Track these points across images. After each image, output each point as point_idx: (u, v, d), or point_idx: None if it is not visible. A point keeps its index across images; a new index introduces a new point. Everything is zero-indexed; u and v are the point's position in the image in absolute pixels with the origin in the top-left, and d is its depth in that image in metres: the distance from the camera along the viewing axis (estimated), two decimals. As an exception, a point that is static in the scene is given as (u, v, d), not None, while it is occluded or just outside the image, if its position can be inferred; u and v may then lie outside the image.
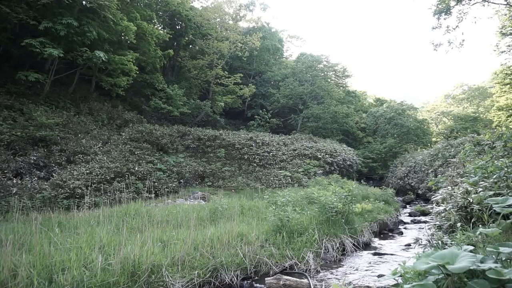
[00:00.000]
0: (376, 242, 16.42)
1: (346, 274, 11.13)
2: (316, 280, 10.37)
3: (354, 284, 9.97)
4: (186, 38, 48.34)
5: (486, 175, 9.07)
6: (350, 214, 15.25)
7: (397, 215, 22.61)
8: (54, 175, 21.10)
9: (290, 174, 31.91)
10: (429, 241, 9.13)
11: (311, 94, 54.11)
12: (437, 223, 9.50)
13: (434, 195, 11.57)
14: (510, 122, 44.99)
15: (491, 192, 7.83)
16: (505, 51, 36.87)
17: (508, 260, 4.23)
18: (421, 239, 9.56)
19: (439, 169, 28.40)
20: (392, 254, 13.73)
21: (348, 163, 38.83)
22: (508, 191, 7.69)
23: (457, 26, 30.52)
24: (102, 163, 23.36)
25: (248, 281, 9.99)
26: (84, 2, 28.00)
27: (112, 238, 10.06)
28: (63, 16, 26.40)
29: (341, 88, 62.20)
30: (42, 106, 26.92)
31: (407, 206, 30.55)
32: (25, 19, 25.42)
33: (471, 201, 8.17)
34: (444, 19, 30.82)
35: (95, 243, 9.39)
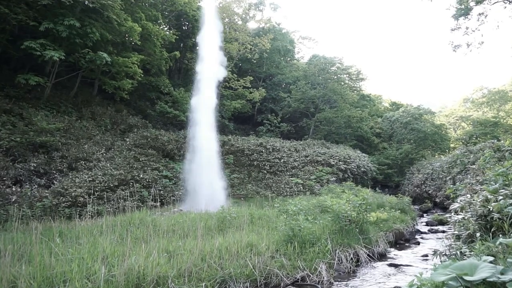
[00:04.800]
0: (392, 252, 16.41)
1: (360, 286, 11.12)
2: (329, 292, 10.38)
3: (368, 297, 9.98)
4: (193, 39, 48.25)
5: (506, 182, 9.03)
6: (365, 224, 15.25)
7: (414, 225, 22.59)
8: (55, 182, 21.18)
9: (301, 182, 31.88)
10: (447, 252, 9.12)
11: (324, 98, 53.78)
12: (456, 232, 9.48)
13: (452, 203, 11.56)
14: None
15: (512, 200, 7.80)
16: (526, 53, 36.72)
17: (530, 272, 4.22)
18: (438, 249, 9.55)
19: (458, 176, 28.32)
20: (408, 265, 13.72)
21: (362, 170, 38.71)
22: (530, 199, 7.67)
23: (477, 29, 30.48)
24: (105, 170, 23.42)
25: (258, 293, 10.00)
26: (86, 2, 27.97)
27: (115, 248, 10.08)
28: (64, 16, 26.32)
29: (355, 91, 61.58)
30: (43, 110, 26.90)
31: (424, 215, 30.52)
32: (25, 20, 25.34)
33: (491, 209, 8.14)
34: (464, 21, 30.79)
35: (98, 253, 9.41)
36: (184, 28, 48.36)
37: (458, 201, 10.67)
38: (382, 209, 21.33)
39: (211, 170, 25.91)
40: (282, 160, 36.03)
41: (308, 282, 10.98)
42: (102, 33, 28.86)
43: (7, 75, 27.92)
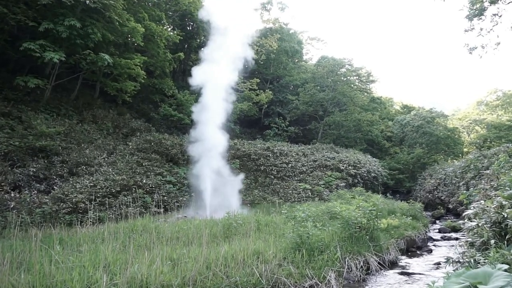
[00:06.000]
0: (403, 260, 16.41)
1: (370, 295, 11.12)
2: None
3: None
4: (198, 40, 48.19)
5: (522, 188, 9.02)
6: (375, 230, 15.24)
7: (426, 231, 22.56)
8: (55, 188, 21.18)
9: (310, 187, 31.89)
10: (460, 260, 9.11)
11: (333, 101, 53.70)
12: (469, 240, 9.47)
13: (465, 209, 11.55)
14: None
15: (528, 207, 7.79)
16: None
17: (546, 280, 4.20)
18: (451, 257, 9.53)
19: (471, 181, 28.20)
20: (420, 274, 13.71)
21: (372, 175, 38.65)
22: (546, 205, 7.66)
23: (491, 29, 30.40)
24: (107, 175, 23.44)
25: (265, 303, 9.98)
26: (87, 2, 27.77)
27: (118, 256, 10.11)
28: (65, 16, 26.26)
29: (365, 94, 61.44)
30: (42, 113, 26.89)
31: (437, 221, 30.42)
32: (24, 20, 25.28)
33: (505, 216, 8.12)
34: (478, 22, 30.72)
35: (100, 261, 9.43)
36: (188, 28, 48.43)
37: (472, 207, 10.65)
38: (393, 215, 21.32)
39: (219, 173, 25.99)
40: (290, 165, 36.01)
41: (317, 291, 10.97)
42: (104, 34, 28.85)
43: (6, 77, 27.85)
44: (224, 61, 28.55)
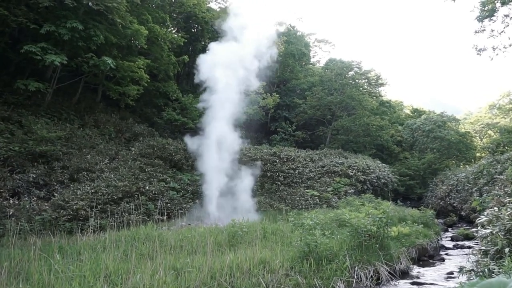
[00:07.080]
0: (415, 270, 16.34)
1: (380, 306, 11.04)
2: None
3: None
4: (203, 43, 48.08)
5: (538, 194, 8.95)
6: (385, 239, 15.16)
7: (438, 240, 22.48)
8: (56, 194, 21.08)
9: (318, 194, 31.71)
10: (473, 269, 9.03)
11: (341, 105, 53.44)
12: (483, 248, 9.41)
13: (478, 217, 11.47)
14: None
15: (543, 214, 7.72)
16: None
17: None
18: (464, 266, 9.46)
19: (485, 187, 28.05)
20: (432, 284, 13.66)
21: (382, 181, 38.47)
22: None
23: (503, 31, 30.37)
24: (109, 182, 23.34)
25: (271, 314, 9.91)
26: (90, 4, 27.71)
27: (119, 265, 10.05)
28: (67, 19, 26.25)
29: (375, 97, 61.47)
30: (43, 118, 26.81)
31: (449, 229, 30.36)
32: (25, 23, 25.30)
33: (520, 224, 8.06)
34: (489, 24, 30.69)
35: (101, 271, 9.37)
36: (193, 30, 48.40)
37: (485, 214, 10.60)
38: (404, 223, 21.24)
39: (224, 178, 25.99)
40: (297, 170, 35.83)
41: (325, 302, 10.89)
42: (107, 36, 28.83)
43: (6, 80, 27.83)
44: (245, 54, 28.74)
